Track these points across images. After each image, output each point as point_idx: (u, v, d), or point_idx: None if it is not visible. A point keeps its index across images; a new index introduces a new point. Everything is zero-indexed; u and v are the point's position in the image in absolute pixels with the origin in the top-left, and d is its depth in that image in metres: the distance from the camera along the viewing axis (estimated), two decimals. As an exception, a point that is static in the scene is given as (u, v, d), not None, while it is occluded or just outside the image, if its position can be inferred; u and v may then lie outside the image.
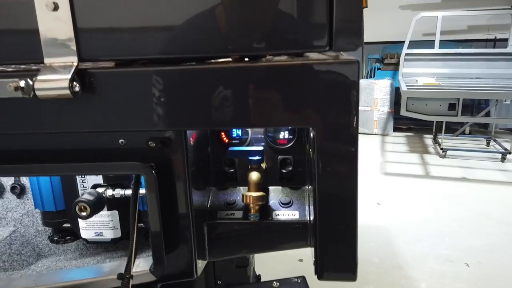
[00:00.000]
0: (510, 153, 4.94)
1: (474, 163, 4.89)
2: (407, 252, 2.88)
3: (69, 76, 0.62)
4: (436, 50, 5.07)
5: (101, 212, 0.92)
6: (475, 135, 6.22)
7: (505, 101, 5.65)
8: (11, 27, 0.65)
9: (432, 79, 4.88)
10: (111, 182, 0.91)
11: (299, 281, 1.13)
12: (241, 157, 0.89)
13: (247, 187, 0.86)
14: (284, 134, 0.92)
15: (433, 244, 2.98)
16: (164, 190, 0.74)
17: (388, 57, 6.63)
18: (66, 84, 0.61)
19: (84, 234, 0.98)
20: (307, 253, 0.82)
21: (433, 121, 5.62)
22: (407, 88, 4.32)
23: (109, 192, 0.89)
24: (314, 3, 0.61)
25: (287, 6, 0.62)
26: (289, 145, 0.93)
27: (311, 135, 0.68)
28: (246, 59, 0.67)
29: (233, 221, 0.86)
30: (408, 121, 6.27)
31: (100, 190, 0.89)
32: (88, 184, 0.93)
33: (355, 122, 0.61)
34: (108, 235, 0.96)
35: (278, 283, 1.12)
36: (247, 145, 0.94)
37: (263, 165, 0.89)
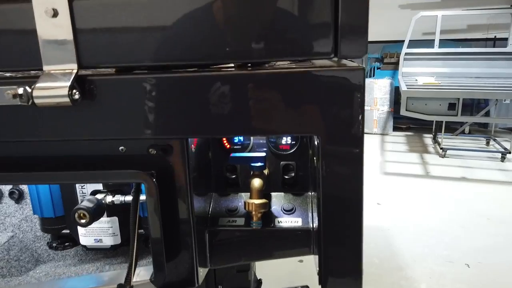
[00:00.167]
0: (510, 153, 4.94)
1: (474, 163, 4.89)
2: (407, 253, 2.87)
3: (68, 83, 0.60)
4: (436, 49, 5.05)
5: (101, 219, 0.91)
6: (475, 135, 6.22)
7: (504, 101, 5.65)
8: (9, 33, 0.64)
9: (432, 78, 4.87)
10: (110, 188, 0.89)
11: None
12: (244, 163, 0.88)
13: (249, 193, 0.85)
14: (286, 140, 0.90)
15: (433, 244, 2.97)
16: (165, 197, 0.73)
17: (387, 57, 6.63)
18: (65, 91, 0.60)
19: (83, 240, 0.96)
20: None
21: (432, 121, 5.61)
22: (407, 88, 4.31)
23: (109, 198, 0.88)
24: (319, 9, 0.59)
25: (290, 12, 0.61)
26: (291, 150, 0.91)
27: (315, 142, 0.67)
28: (249, 66, 0.66)
29: (235, 228, 0.85)
30: (408, 120, 6.27)
31: (99, 196, 0.87)
32: (88, 190, 0.92)
33: (360, 130, 0.60)
34: (108, 241, 0.95)
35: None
36: (249, 151, 0.93)
37: (265, 171, 0.88)
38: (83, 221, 0.81)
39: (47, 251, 1.10)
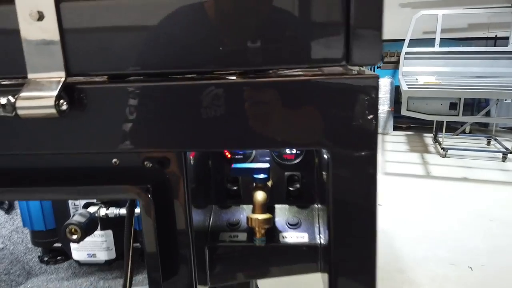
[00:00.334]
0: (511, 153, 4.90)
1: (475, 163, 4.85)
2: (409, 255, 2.83)
3: (55, 92, 0.55)
4: (437, 48, 5.03)
5: (94, 232, 0.86)
6: (476, 134, 6.18)
7: (505, 100, 5.61)
8: (-10, 38, 0.59)
9: (432, 77, 4.83)
10: (104, 201, 0.84)
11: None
12: (246, 175, 0.83)
13: (251, 206, 0.80)
14: (291, 149, 0.85)
15: (435, 246, 2.93)
16: (162, 212, 0.68)
17: (388, 56, 6.57)
18: (51, 102, 0.54)
19: (76, 255, 0.91)
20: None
21: (433, 120, 5.57)
22: (408, 87, 4.26)
23: (103, 211, 0.83)
24: (329, 12, 0.54)
25: (297, 14, 0.55)
26: (296, 160, 0.86)
27: (325, 156, 0.62)
28: (252, 73, 0.61)
29: (237, 244, 0.80)
30: (408, 120, 6.21)
31: (92, 209, 0.83)
32: (80, 202, 0.87)
33: (375, 143, 0.55)
34: (102, 256, 0.90)
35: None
36: (252, 161, 0.87)
37: (269, 183, 0.83)
38: (74, 236, 0.76)
39: (39, 263, 1.05)
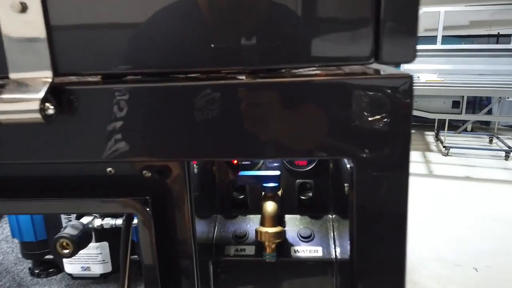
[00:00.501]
0: (514, 151, 4.85)
1: (478, 161, 4.80)
2: (413, 256, 2.77)
3: (40, 94, 0.48)
4: (438, 46, 4.99)
5: (89, 244, 0.79)
6: (478, 133, 6.13)
7: (508, 98, 5.56)
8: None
9: (434, 75, 4.77)
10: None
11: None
12: (254, 183, 0.76)
13: (259, 216, 0.73)
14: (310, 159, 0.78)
15: (439, 247, 2.87)
16: (162, 226, 0.61)
17: (389, 53, 6.50)
18: (36, 105, 0.47)
19: (69, 268, 0.85)
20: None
21: (434, 118, 5.52)
22: (411, 86, 4.19)
23: (97, 222, 0.77)
24: (354, 2, 0.47)
25: (316, 5, 0.48)
26: (309, 167, 0.79)
27: (348, 166, 0.55)
28: (263, 73, 0.54)
29: (244, 258, 0.73)
30: (409, 118, 6.14)
31: (86, 220, 0.76)
32: (74, 212, 0.80)
33: (408, 152, 0.48)
34: (97, 270, 0.83)
35: None
36: (260, 168, 0.80)
37: (279, 192, 0.76)
38: (66, 251, 0.69)
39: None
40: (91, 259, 0.83)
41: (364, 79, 0.48)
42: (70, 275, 0.86)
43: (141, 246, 0.59)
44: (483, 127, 6.49)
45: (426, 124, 6.37)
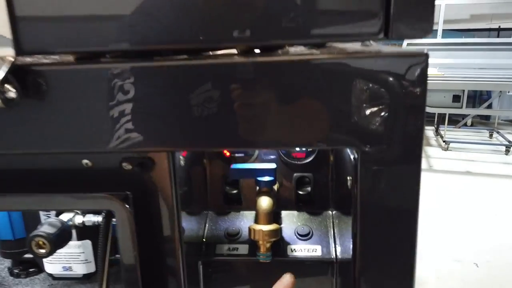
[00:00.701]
0: (514, 146, 4.82)
1: (478, 156, 4.76)
2: (412, 252, 2.74)
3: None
4: (439, 39, 4.94)
5: (70, 243, 0.73)
6: (478, 127, 6.09)
7: (508, 92, 5.53)
8: None
9: (434, 69, 4.72)
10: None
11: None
12: (248, 177, 0.70)
13: (253, 212, 0.67)
14: (308, 149, 0.72)
15: (439, 242, 2.84)
16: (143, 222, 0.55)
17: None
18: (-5, 87, 0.41)
19: (49, 268, 0.79)
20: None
21: (434, 113, 5.48)
22: (411, 79, 4.14)
23: (78, 219, 0.71)
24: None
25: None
26: (307, 160, 0.73)
27: (352, 157, 0.49)
28: (257, 51, 0.48)
29: (237, 258, 0.67)
30: (409, 112, 6.11)
31: (66, 217, 0.70)
32: (53, 208, 0.74)
33: (421, 141, 0.42)
34: (79, 270, 0.78)
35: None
36: (255, 161, 0.74)
37: (275, 186, 0.70)
38: (42, 250, 0.63)
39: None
40: (73, 259, 0.77)
41: (372, 58, 0.42)
42: (50, 275, 0.80)
43: (120, 245, 0.53)
44: (483, 121, 6.45)
45: (426, 119, 6.32)
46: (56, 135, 0.48)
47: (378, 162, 0.44)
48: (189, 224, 0.66)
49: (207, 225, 0.73)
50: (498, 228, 3.05)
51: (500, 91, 5.30)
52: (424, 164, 4.44)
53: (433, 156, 4.81)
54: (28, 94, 0.44)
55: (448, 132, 5.34)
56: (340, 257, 0.66)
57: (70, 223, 0.71)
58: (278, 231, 0.64)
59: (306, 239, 0.69)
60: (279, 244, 0.68)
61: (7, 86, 0.42)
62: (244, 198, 0.75)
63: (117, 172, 0.53)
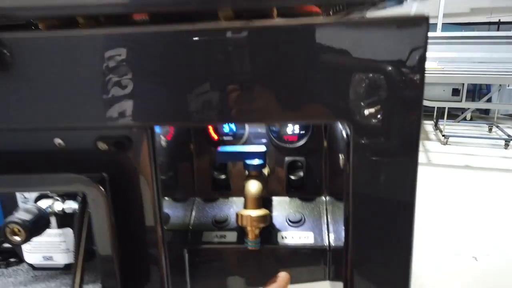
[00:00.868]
0: (513, 140, 4.80)
1: (477, 150, 4.74)
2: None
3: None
4: (438, 33, 4.91)
5: (51, 231, 0.70)
6: (477, 121, 6.06)
7: (508, 86, 5.50)
8: None
9: (434, 63, 4.68)
10: (60, 193, 0.68)
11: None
12: (236, 160, 0.66)
13: (242, 198, 0.64)
14: (293, 129, 0.68)
15: (438, 236, 2.83)
16: (120, 208, 0.51)
17: (388, 40, 6.41)
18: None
19: (29, 258, 0.75)
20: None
21: (433, 107, 5.44)
22: (410, 73, 4.10)
23: (58, 206, 0.67)
24: None
25: None
26: (300, 143, 0.69)
27: (344, 133, 0.45)
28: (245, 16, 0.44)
29: (225, 246, 0.64)
30: (408, 106, 6.07)
31: (44, 203, 0.66)
32: (31, 194, 0.70)
33: (419, 116, 0.39)
34: (60, 259, 0.74)
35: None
36: (244, 143, 0.70)
37: (265, 171, 0.66)
38: (17, 238, 0.60)
39: (-7, 265, 0.89)
40: (53, 248, 0.73)
41: (366, 24, 0.38)
42: (30, 265, 0.76)
43: (95, 232, 0.50)
44: (482, 116, 6.42)
45: (425, 113, 6.26)
46: (24, 109, 0.44)
47: (371, 137, 0.40)
48: (175, 211, 0.63)
49: (193, 212, 0.70)
50: (497, 222, 3.03)
51: (500, 85, 5.26)
52: (423, 158, 4.43)
53: (432, 150, 4.78)
54: (-9, 63, 0.41)
55: (448, 126, 5.31)
56: (333, 244, 0.62)
57: (49, 210, 0.67)
58: (268, 217, 0.60)
59: (298, 226, 0.66)
60: (269, 231, 0.65)
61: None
62: (233, 184, 0.71)
63: (92, 152, 0.49)
